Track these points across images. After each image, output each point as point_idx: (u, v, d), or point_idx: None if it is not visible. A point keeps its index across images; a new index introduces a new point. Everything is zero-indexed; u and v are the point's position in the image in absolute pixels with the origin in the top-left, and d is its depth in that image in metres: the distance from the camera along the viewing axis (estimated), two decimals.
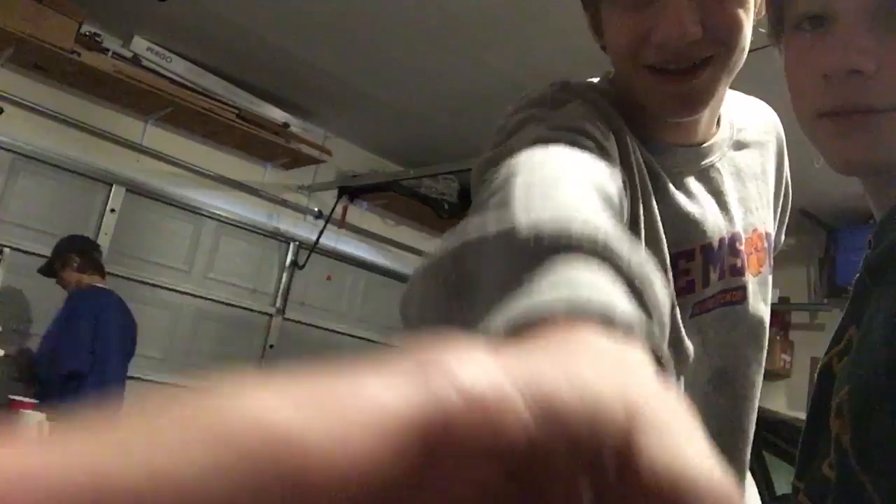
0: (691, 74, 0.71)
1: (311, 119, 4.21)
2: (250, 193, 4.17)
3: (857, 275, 0.61)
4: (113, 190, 3.68)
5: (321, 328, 4.52)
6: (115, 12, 3.35)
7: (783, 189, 0.93)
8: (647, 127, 0.80)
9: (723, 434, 0.87)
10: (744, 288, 0.84)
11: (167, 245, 3.92)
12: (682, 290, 0.80)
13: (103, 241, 3.64)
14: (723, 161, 0.85)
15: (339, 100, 3.96)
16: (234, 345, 4.16)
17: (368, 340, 4.74)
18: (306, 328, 4.45)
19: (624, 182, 0.64)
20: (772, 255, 0.89)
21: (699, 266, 0.80)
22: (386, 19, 3.04)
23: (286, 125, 3.98)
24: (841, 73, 0.57)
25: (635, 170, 0.74)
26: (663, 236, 0.76)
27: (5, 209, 3.41)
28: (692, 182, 0.82)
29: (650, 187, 0.76)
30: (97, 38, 3.40)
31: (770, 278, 0.89)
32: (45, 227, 3.50)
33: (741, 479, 0.91)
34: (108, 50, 3.41)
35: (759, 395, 0.90)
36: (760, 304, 0.86)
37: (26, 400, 2.06)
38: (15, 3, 3.00)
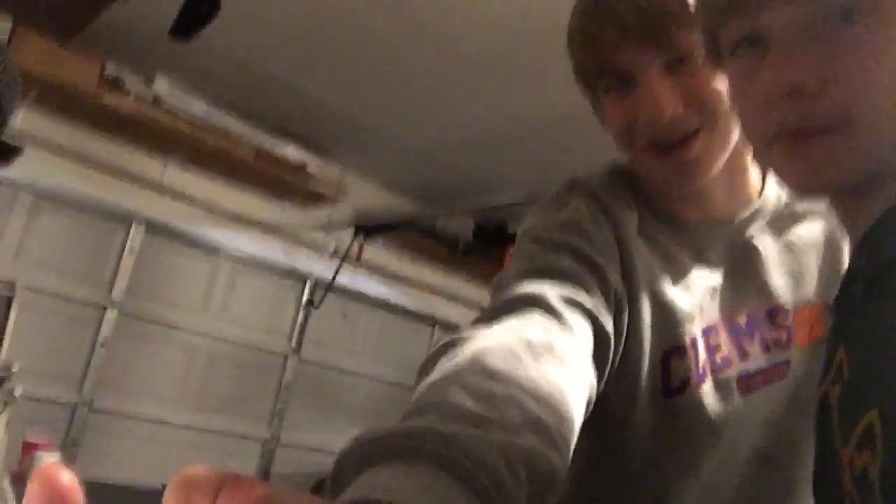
0: (683, 147, 0.76)
1: (327, 157, 4.24)
2: (267, 232, 4.18)
3: (840, 290, 0.57)
4: (132, 229, 3.71)
5: (337, 367, 4.49)
6: (135, 53, 3.40)
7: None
8: (670, 205, 0.85)
9: None
10: (787, 362, 0.83)
11: (184, 285, 3.93)
12: (720, 366, 0.81)
13: (121, 282, 3.66)
14: (764, 235, 0.86)
15: (355, 139, 4.00)
16: (249, 384, 4.14)
17: (384, 380, 4.71)
18: (323, 367, 4.43)
19: (617, 290, 0.74)
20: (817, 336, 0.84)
21: (727, 341, 0.82)
22: (402, 60, 3.08)
23: (303, 164, 4.01)
24: (780, 94, 0.52)
25: (636, 263, 0.79)
26: (680, 319, 0.79)
27: (26, 248, 3.44)
28: (720, 258, 0.84)
29: (660, 271, 0.81)
30: (119, 81, 3.46)
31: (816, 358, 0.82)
32: (63, 265, 3.53)
33: None
34: (129, 92, 3.47)
35: None
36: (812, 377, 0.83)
37: (41, 441, 2.05)
38: (38, 45, 3.06)
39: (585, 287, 0.70)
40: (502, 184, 3.79)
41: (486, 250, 4.75)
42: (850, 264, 0.56)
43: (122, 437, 3.67)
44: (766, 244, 0.86)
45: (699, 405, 0.79)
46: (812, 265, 0.86)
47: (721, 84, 0.74)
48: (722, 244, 0.85)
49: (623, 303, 0.76)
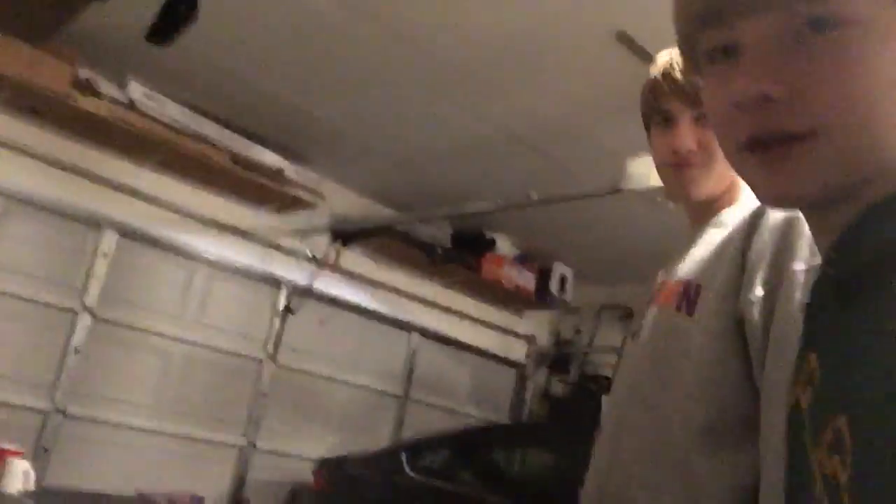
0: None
1: (304, 163, 4.23)
2: (243, 237, 4.15)
3: (810, 296, 0.58)
4: (105, 234, 3.67)
5: (314, 374, 4.46)
6: (110, 56, 3.37)
7: (747, 255, 1.03)
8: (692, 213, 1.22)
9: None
10: (645, 323, 1.13)
11: (159, 290, 3.89)
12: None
13: (94, 287, 3.61)
14: (706, 232, 1.14)
15: (333, 145, 3.99)
16: (225, 391, 4.10)
17: (362, 387, 4.69)
18: (299, 374, 4.40)
19: None
20: (691, 302, 1.06)
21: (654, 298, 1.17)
22: (380, 67, 3.08)
23: (280, 170, 3.99)
24: (750, 100, 0.54)
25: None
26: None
27: None
28: (693, 246, 1.16)
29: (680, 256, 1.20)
30: (93, 83, 3.42)
31: (682, 322, 1.06)
32: (35, 270, 3.48)
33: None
34: (103, 94, 3.43)
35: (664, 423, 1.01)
36: (653, 336, 1.10)
37: (11, 448, 2.02)
38: (11, 46, 3.02)
39: None
40: (481, 192, 3.81)
41: (464, 257, 4.76)
42: (821, 270, 0.56)
43: (95, 444, 3.61)
44: (702, 237, 1.13)
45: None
46: (703, 255, 1.10)
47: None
48: (694, 236, 1.17)
49: None
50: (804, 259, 0.94)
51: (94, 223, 3.64)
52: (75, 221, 3.60)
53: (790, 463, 0.58)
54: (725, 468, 0.93)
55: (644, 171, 2.61)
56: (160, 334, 3.85)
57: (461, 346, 5.21)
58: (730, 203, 1.14)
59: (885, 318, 0.45)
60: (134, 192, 3.75)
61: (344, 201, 4.53)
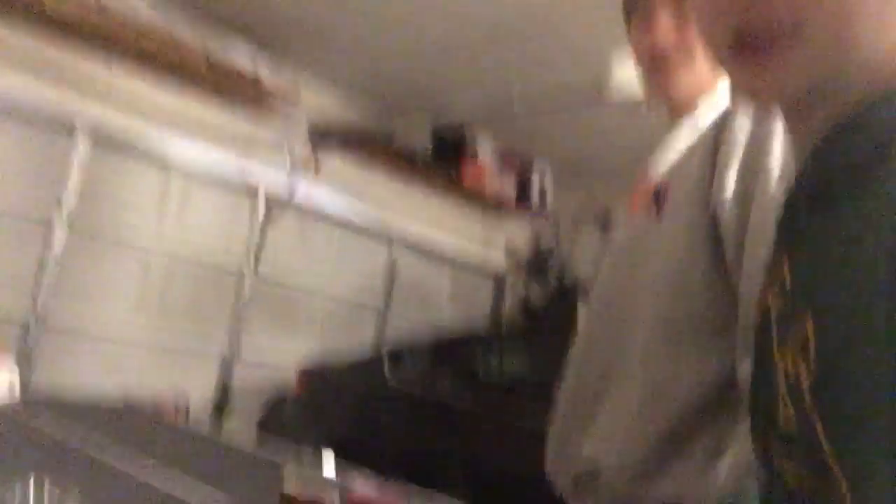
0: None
1: (281, 62, 4.10)
2: (219, 145, 4.06)
3: (785, 202, 0.58)
4: (79, 141, 3.57)
5: (294, 284, 4.47)
6: None
7: (718, 152, 1.00)
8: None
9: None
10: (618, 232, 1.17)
11: (135, 196, 3.82)
12: None
13: (69, 195, 3.54)
14: (681, 129, 1.11)
15: (311, 43, 3.87)
16: (206, 300, 4.10)
17: (341, 299, 4.71)
18: (280, 285, 4.41)
19: None
20: (660, 203, 1.05)
21: None
22: None
23: (255, 69, 3.87)
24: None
25: None
26: None
27: None
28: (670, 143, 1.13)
29: None
30: None
31: (650, 225, 1.04)
32: (7, 181, 3.40)
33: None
34: None
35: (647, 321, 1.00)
36: (624, 244, 1.12)
37: None
38: None
39: None
40: (462, 90, 3.73)
41: (445, 163, 4.70)
42: (796, 178, 0.57)
43: (78, 355, 3.63)
44: (682, 134, 1.10)
45: None
46: (679, 156, 1.08)
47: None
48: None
49: None
50: (777, 155, 0.94)
51: (67, 129, 3.54)
52: (46, 124, 3.49)
53: (756, 365, 0.59)
54: (688, 368, 0.94)
55: (630, 79, 2.57)
56: (139, 246, 3.82)
57: (441, 257, 5.24)
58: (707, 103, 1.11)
59: (856, 224, 0.46)
60: (105, 94, 3.62)
61: (323, 104, 4.42)
